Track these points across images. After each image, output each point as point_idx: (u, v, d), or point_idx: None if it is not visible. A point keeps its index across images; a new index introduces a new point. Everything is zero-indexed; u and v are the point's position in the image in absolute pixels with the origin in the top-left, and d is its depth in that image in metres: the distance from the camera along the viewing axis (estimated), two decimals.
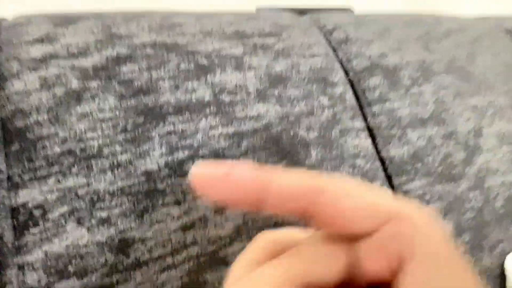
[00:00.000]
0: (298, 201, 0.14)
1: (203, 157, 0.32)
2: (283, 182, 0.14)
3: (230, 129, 0.34)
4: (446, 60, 0.52)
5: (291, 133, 0.37)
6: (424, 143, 0.45)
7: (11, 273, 0.24)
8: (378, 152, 0.43)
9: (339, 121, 0.41)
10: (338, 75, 0.44)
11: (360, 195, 0.14)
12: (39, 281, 0.24)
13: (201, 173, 0.15)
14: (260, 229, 0.32)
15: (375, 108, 0.44)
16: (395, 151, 0.43)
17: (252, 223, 0.31)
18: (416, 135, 0.44)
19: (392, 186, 0.42)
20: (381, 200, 0.14)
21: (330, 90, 0.42)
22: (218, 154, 0.33)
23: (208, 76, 0.36)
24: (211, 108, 0.34)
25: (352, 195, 0.14)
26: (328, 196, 0.14)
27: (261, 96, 0.37)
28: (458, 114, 0.48)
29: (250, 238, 0.31)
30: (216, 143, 0.33)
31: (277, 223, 0.32)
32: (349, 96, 0.43)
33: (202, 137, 0.33)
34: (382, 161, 0.42)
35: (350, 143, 0.41)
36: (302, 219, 0.15)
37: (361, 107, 0.44)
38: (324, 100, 0.41)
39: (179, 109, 0.33)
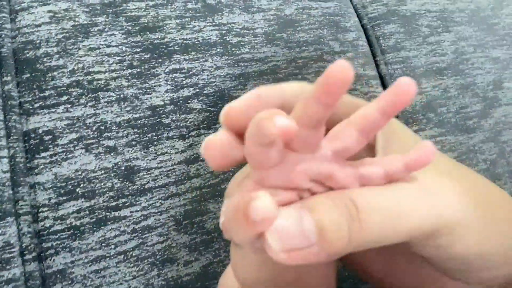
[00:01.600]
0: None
1: (208, 95, 0.33)
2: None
3: (236, 70, 0.35)
4: (469, 10, 0.50)
5: (299, 77, 0.37)
6: (439, 93, 0.44)
7: (23, 191, 0.26)
8: None
9: None
10: (351, 21, 0.43)
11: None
12: (49, 199, 0.26)
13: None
14: None
15: (389, 56, 0.43)
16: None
17: None
18: (431, 84, 0.44)
19: None
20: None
21: (342, 35, 0.42)
22: (223, 94, 0.34)
23: (216, 16, 0.36)
24: (218, 48, 0.35)
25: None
26: None
27: (269, 39, 0.37)
28: (477, 66, 0.47)
29: None
30: (222, 83, 0.34)
31: None
32: (362, 42, 0.43)
33: (207, 76, 0.34)
34: None
35: (360, 90, 0.41)
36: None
37: (374, 55, 0.43)
38: (335, 46, 0.41)
39: (185, 48, 0.34)
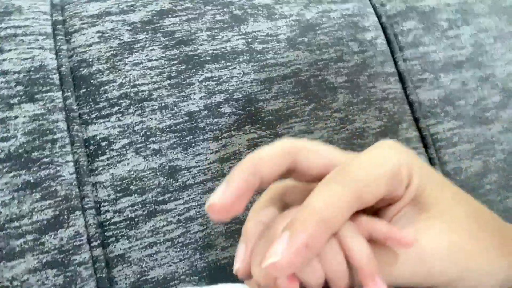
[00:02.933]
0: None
1: (237, 100, 0.38)
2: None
3: (262, 75, 0.39)
4: (490, 1, 0.51)
5: (319, 78, 0.41)
6: (457, 86, 0.46)
7: (88, 189, 0.32)
8: (407, 96, 0.45)
9: (368, 66, 0.44)
10: (370, 20, 0.46)
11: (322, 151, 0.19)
12: (108, 196, 0.32)
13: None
14: None
15: (407, 53, 0.46)
16: (425, 95, 0.46)
17: None
18: (449, 78, 0.46)
19: (419, 128, 0.45)
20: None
21: (361, 35, 0.45)
22: (250, 98, 0.38)
23: (242, 26, 0.40)
24: (244, 56, 0.39)
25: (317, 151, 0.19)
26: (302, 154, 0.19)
27: (291, 43, 0.41)
28: (497, 57, 0.49)
29: None
30: (249, 88, 0.38)
31: None
32: (381, 41, 0.46)
33: (236, 82, 0.38)
34: (411, 104, 0.45)
35: (378, 87, 0.44)
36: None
37: (392, 52, 0.46)
38: (354, 46, 0.44)
39: (215, 58, 0.38)
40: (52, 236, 0.30)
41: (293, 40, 0.41)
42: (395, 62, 0.46)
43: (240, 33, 0.40)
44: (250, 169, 0.18)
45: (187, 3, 0.39)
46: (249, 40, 0.40)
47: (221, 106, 0.37)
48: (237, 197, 0.17)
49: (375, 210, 0.20)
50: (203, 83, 0.37)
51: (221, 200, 0.17)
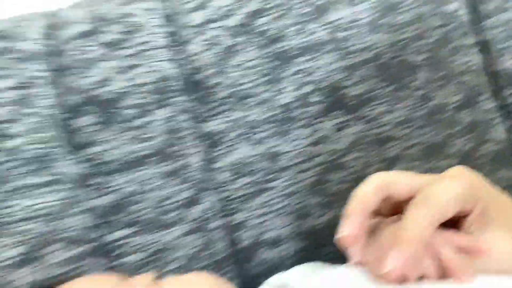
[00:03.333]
0: None
1: (323, 89, 0.43)
2: None
3: (345, 63, 0.43)
4: None
5: (399, 59, 0.44)
6: None
7: (212, 174, 0.41)
8: (488, 66, 0.47)
9: (450, 40, 0.46)
10: None
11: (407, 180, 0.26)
12: (227, 178, 0.41)
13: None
14: (370, 143, 0.43)
15: (491, 21, 0.46)
16: (510, 63, 0.46)
17: (362, 139, 0.43)
18: None
19: (500, 98, 0.47)
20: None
21: (442, 9, 0.46)
22: (335, 86, 0.43)
23: (324, 16, 0.44)
24: (328, 45, 0.43)
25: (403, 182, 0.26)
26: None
27: (372, 27, 0.44)
28: None
29: (361, 150, 0.43)
30: (333, 76, 0.43)
31: (381, 139, 0.43)
32: (463, 11, 0.46)
33: (322, 72, 0.43)
34: (491, 75, 0.46)
35: (459, 61, 0.46)
36: None
37: (475, 22, 0.47)
38: (435, 21, 0.45)
39: (303, 51, 0.43)
40: (191, 211, 0.40)
41: (374, 23, 0.44)
42: (478, 32, 0.47)
43: (323, 23, 0.44)
44: (359, 211, 0.27)
45: (275, 0, 0.44)
46: (332, 29, 0.44)
47: (309, 96, 0.43)
48: (358, 231, 0.26)
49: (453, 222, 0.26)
50: (293, 77, 0.43)
51: (350, 233, 0.26)
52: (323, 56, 0.43)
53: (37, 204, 0.35)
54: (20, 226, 0.33)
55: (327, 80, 0.43)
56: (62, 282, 0.33)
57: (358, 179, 0.42)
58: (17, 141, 0.36)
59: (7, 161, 0.35)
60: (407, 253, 0.23)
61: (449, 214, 0.24)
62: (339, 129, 0.43)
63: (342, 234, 0.26)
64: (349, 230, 0.26)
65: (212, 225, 0.41)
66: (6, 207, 0.33)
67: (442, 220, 0.24)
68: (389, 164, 0.43)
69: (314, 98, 0.43)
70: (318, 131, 0.43)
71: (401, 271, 0.23)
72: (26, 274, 0.32)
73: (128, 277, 0.31)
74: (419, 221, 0.24)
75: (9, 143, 0.36)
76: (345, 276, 0.28)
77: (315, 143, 0.43)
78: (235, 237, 0.42)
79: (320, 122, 0.43)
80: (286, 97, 0.43)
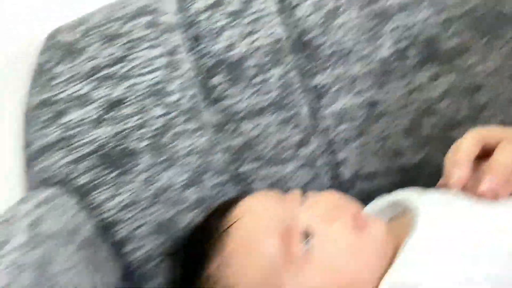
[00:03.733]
0: None
1: (420, 42, 0.48)
2: None
3: (441, 17, 0.47)
4: None
5: (495, 12, 0.46)
6: None
7: (318, 120, 0.50)
8: None
9: None
10: None
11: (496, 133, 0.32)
12: (330, 123, 0.50)
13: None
14: (462, 91, 0.47)
15: None
16: None
17: (455, 88, 0.47)
18: None
19: None
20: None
21: None
22: (431, 39, 0.47)
23: None
24: (425, 1, 0.47)
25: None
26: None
27: None
28: None
29: (453, 97, 0.47)
30: (430, 30, 0.47)
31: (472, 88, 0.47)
32: None
33: (419, 27, 0.47)
34: None
35: None
36: None
37: None
38: None
39: (402, 8, 0.48)
40: (302, 150, 0.50)
41: None
42: None
43: None
44: (466, 160, 0.33)
45: None
46: None
47: (406, 50, 0.48)
48: (466, 176, 0.33)
49: None
50: (391, 33, 0.48)
51: (461, 179, 0.33)
52: (420, 11, 0.47)
53: (193, 144, 0.47)
54: (184, 160, 0.46)
55: (423, 34, 0.48)
56: (214, 202, 0.46)
57: (449, 124, 0.48)
58: (174, 97, 0.48)
59: (169, 112, 0.47)
60: (499, 175, 0.31)
61: None
62: (433, 79, 0.48)
63: (455, 179, 0.33)
64: (460, 175, 0.33)
65: (319, 162, 0.51)
66: (174, 146, 0.46)
67: None
68: (478, 111, 0.47)
69: (411, 52, 0.48)
70: (414, 81, 0.48)
71: (495, 190, 0.31)
72: (192, 194, 0.46)
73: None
74: (506, 154, 0.31)
75: (168, 99, 0.48)
76: (450, 195, 0.35)
77: (410, 92, 0.49)
78: (338, 172, 0.51)
79: (416, 73, 0.48)
80: (385, 52, 0.48)
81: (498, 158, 0.32)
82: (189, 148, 0.47)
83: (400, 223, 0.36)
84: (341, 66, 0.49)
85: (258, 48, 0.50)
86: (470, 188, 0.34)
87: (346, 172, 0.51)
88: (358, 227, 0.33)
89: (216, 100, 0.50)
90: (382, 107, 0.49)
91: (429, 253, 0.30)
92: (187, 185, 0.46)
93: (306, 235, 0.32)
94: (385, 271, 0.31)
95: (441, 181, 0.37)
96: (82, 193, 0.43)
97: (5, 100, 0.54)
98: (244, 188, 0.50)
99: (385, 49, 0.48)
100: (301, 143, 0.50)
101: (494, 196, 0.32)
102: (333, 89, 0.50)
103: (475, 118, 0.48)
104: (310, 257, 0.31)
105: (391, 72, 0.49)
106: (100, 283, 0.38)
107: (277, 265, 0.31)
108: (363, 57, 0.49)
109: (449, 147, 0.37)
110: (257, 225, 0.32)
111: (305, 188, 0.50)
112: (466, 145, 0.34)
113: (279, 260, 0.31)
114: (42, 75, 0.49)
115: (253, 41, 0.50)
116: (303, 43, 0.50)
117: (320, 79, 0.50)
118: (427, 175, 0.49)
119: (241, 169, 0.50)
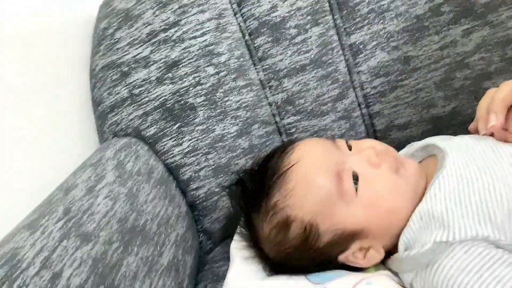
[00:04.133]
0: None
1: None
2: None
3: None
4: None
5: None
6: None
7: (354, 76, 0.54)
8: None
9: None
10: None
11: None
12: (367, 78, 0.54)
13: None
14: (494, 44, 0.50)
15: None
16: None
17: (487, 42, 0.50)
18: None
19: None
20: None
21: None
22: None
23: None
24: None
25: None
26: None
27: None
28: None
29: (485, 51, 0.50)
30: None
31: (505, 41, 0.49)
32: None
33: None
34: None
35: None
36: None
37: None
38: None
39: None
40: (339, 104, 0.55)
41: None
42: None
43: None
44: (502, 109, 0.37)
45: None
46: None
47: (441, 7, 0.50)
48: (502, 122, 0.37)
49: None
50: None
51: (497, 125, 0.37)
52: None
53: (242, 99, 0.53)
54: (235, 113, 0.52)
55: None
56: (260, 151, 0.52)
57: (480, 76, 0.51)
58: (223, 58, 0.53)
59: (219, 72, 0.53)
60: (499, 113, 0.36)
61: None
62: (466, 34, 0.51)
63: (491, 124, 0.37)
64: (497, 121, 0.37)
65: (355, 114, 0.55)
66: (227, 101, 0.52)
67: None
68: (509, 63, 0.50)
69: (445, 8, 0.50)
70: (447, 37, 0.51)
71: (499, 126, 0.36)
72: (242, 142, 0.52)
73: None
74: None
75: (218, 59, 0.53)
76: (476, 139, 0.40)
77: (444, 47, 0.51)
78: (373, 122, 0.56)
79: (449, 29, 0.51)
80: (420, 9, 0.51)
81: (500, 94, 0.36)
82: (239, 103, 0.53)
83: (430, 164, 0.41)
84: (378, 24, 0.52)
85: (298, 9, 0.54)
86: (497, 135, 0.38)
87: (381, 123, 0.55)
88: (396, 170, 0.38)
89: (261, 59, 0.55)
90: (416, 61, 0.52)
91: (452, 190, 0.35)
92: (238, 135, 0.52)
93: (355, 177, 0.37)
94: (418, 203, 0.36)
95: (472, 125, 0.41)
96: (151, 142, 0.50)
97: (70, 65, 0.61)
98: (287, 138, 0.56)
99: (421, 6, 0.51)
100: (339, 97, 0.55)
101: (502, 137, 0.37)
102: (370, 46, 0.53)
103: (506, 70, 0.50)
104: (358, 193, 0.37)
105: (426, 28, 0.51)
106: (173, 212, 0.46)
107: (332, 197, 0.37)
108: (399, 14, 0.52)
109: (479, 97, 0.41)
110: (316, 166, 0.38)
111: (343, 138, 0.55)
112: (503, 94, 0.37)
113: (333, 193, 0.37)
114: (104, 40, 0.55)
115: (294, 3, 0.54)
116: (340, 3, 0.53)
117: (357, 37, 0.53)
118: (457, 124, 0.53)
119: (284, 121, 0.56)
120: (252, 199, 0.40)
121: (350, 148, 0.41)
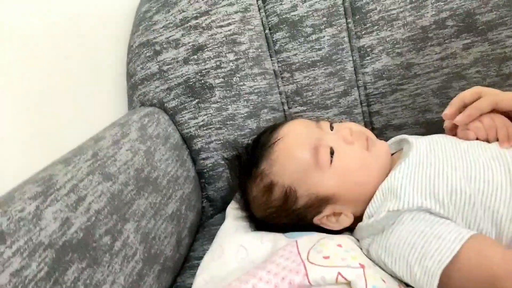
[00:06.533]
0: None
1: (459, 15, 0.54)
2: None
3: None
4: None
5: None
6: None
7: (360, 76, 0.59)
8: None
9: None
10: None
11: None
12: (370, 79, 0.59)
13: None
14: (491, 60, 0.54)
15: None
16: None
17: (485, 57, 0.54)
18: None
19: None
20: None
21: None
22: (469, 13, 0.54)
23: None
24: None
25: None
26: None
27: None
28: None
29: (483, 65, 0.54)
30: (469, 4, 0.54)
31: (502, 58, 0.53)
32: None
33: (460, 1, 0.54)
34: None
35: None
36: None
37: None
38: None
39: None
40: (343, 100, 0.61)
41: None
42: None
43: None
44: (457, 102, 0.43)
45: None
46: None
47: (446, 21, 0.55)
48: (456, 112, 0.43)
49: None
50: (434, 4, 0.55)
51: (450, 113, 0.44)
52: None
53: (255, 85, 0.60)
54: (248, 96, 0.59)
55: (463, 8, 0.54)
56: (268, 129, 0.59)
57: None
58: (243, 47, 0.60)
59: (238, 59, 0.60)
60: (468, 113, 0.43)
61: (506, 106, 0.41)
62: (466, 48, 0.55)
63: (444, 112, 0.45)
64: (449, 111, 0.44)
65: (356, 110, 0.61)
66: (242, 85, 0.59)
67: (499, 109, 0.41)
68: (503, 79, 0.54)
69: (449, 23, 0.55)
70: (448, 48, 0.56)
71: (463, 121, 0.43)
72: (251, 123, 0.59)
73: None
74: (482, 102, 0.42)
75: (238, 48, 0.60)
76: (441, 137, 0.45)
77: (444, 58, 0.56)
78: (372, 120, 0.61)
79: (451, 41, 0.55)
80: (426, 21, 0.56)
81: (476, 103, 0.42)
82: (252, 88, 0.60)
83: (400, 153, 0.47)
84: (386, 30, 0.58)
85: (316, 10, 0.60)
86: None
87: (379, 121, 0.61)
88: (368, 148, 0.44)
89: (277, 52, 0.61)
90: (417, 69, 0.57)
91: (409, 172, 0.41)
92: (248, 116, 0.59)
93: (331, 151, 0.43)
94: (383, 180, 0.42)
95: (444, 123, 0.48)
96: (172, 113, 0.58)
97: (113, 42, 0.70)
98: None
99: (427, 18, 0.56)
100: (343, 94, 0.61)
101: (466, 136, 0.43)
102: (376, 50, 0.59)
103: (499, 85, 0.54)
104: (332, 164, 0.43)
105: (429, 39, 0.56)
106: (182, 174, 0.53)
107: (309, 167, 0.43)
108: (406, 24, 0.57)
109: None
110: (297, 141, 0.45)
111: None
112: (464, 93, 0.44)
113: (310, 164, 0.43)
114: (143, 21, 0.63)
115: (313, 4, 0.60)
116: (355, 9, 0.59)
117: (366, 41, 0.59)
118: None
119: (292, 110, 0.62)
120: (245, 167, 0.47)
121: (332, 128, 0.46)
